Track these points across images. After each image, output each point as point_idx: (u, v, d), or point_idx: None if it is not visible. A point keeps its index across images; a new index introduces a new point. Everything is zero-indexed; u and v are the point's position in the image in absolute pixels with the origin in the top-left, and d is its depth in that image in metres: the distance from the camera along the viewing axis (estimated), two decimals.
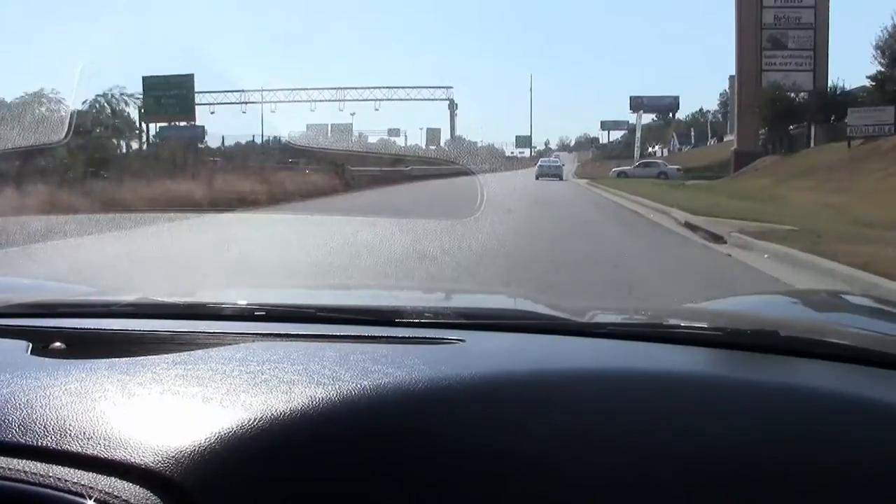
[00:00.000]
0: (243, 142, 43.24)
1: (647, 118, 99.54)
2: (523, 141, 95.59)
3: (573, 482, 0.78)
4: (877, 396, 0.89)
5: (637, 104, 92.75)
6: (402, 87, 69.86)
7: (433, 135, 72.92)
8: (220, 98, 52.59)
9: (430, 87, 70.91)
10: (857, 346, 1.06)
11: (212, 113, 49.27)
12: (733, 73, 42.64)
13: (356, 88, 66.71)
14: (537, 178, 36.45)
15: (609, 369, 0.96)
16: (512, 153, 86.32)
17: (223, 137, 42.14)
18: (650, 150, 79.16)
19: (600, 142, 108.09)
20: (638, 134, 77.86)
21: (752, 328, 1.14)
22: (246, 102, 53.79)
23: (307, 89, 63.72)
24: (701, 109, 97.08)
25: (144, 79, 38.47)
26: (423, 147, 63.07)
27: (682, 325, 1.19)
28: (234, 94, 53.17)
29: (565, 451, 0.80)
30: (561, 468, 0.78)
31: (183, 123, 39.91)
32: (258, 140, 42.70)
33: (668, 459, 0.79)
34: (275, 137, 39.92)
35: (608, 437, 0.82)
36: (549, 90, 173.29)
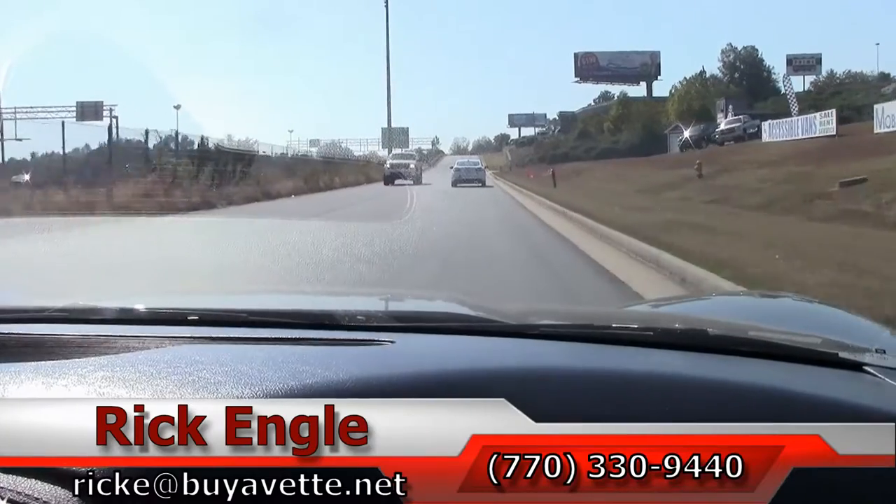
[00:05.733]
0: None
1: (592, 93, 67.77)
2: (393, 135, 63.62)
3: None
4: (797, 389, 0.94)
5: (587, 68, 62.22)
6: None
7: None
8: None
9: None
10: (779, 343, 1.12)
11: None
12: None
13: None
14: (454, 185, 30.93)
15: (539, 368, 0.97)
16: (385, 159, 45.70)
17: None
18: (685, 133, 44.32)
19: (510, 139, 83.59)
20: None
21: (681, 327, 1.17)
22: None
23: None
24: (702, 71, 61.40)
25: None
26: None
27: (614, 325, 1.21)
28: None
29: None
30: None
31: None
32: None
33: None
34: None
35: None
36: (434, 81, 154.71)
